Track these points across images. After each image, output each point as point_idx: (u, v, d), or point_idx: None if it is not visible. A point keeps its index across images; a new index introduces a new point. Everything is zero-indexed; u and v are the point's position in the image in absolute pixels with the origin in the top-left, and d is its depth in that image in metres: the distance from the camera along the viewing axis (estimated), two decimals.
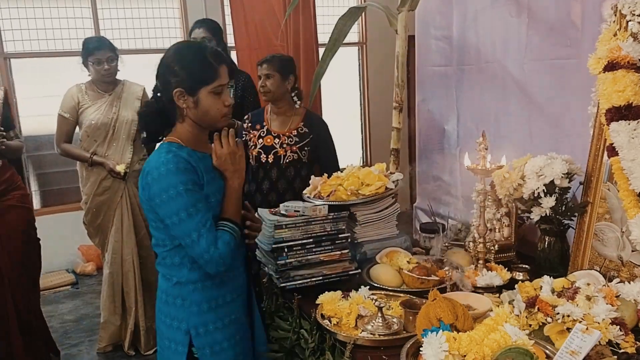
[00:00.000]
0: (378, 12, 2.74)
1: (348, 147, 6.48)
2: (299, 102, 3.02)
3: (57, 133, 3.21)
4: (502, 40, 2.34)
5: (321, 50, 4.74)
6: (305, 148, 2.94)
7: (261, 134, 3.01)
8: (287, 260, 2.01)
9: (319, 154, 2.99)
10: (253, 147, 3.02)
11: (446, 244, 2.29)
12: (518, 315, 1.51)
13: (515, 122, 2.34)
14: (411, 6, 2.36)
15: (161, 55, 1.70)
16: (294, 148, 2.93)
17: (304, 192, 2.34)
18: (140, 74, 3.18)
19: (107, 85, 3.17)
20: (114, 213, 3.20)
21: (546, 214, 1.92)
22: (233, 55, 5.33)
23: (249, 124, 3.07)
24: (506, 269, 1.99)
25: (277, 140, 2.96)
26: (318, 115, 3.17)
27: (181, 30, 5.42)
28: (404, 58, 2.43)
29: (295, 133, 2.95)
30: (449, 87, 2.68)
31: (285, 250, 2.01)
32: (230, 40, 5.41)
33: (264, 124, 3.03)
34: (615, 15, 1.78)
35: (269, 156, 2.97)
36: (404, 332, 1.61)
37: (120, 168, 3.06)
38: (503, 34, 2.33)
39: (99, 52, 3.08)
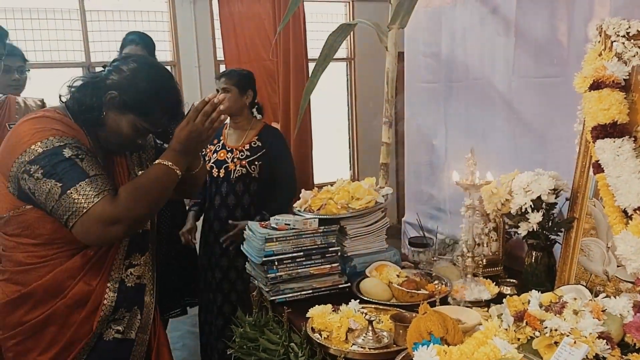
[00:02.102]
0: (367, 29, 2.77)
1: (336, 161, 6.51)
2: (259, 117, 3.02)
3: None
4: (490, 58, 2.39)
5: (311, 65, 4.81)
6: (256, 162, 2.93)
7: (216, 149, 3.03)
8: (278, 274, 2.01)
9: (274, 168, 2.98)
10: (208, 160, 3.01)
11: (434, 258, 2.31)
12: (506, 329, 1.53)
13: (502, 138, 2.38)
14: (401, 24, 2.41)
15: None
16: (243, 162, 2.93)
17: (295, 205, 2.35)
18: None
19: None
20: None
21: (533, 229, 1.95)
22: (222, 69, 5.37)
23: None
24: (494, 283, 2.01)
25: (229, 155, 2.97)
26: (275, 129, 3.15)
27: (170, 43, 5.43)
28: (394, 74, 2.47)
29: (248, 147, 2.96)
30: (438, 102, 2.72)
31: (276, 263, 2.01)
32: (220, 54, 5.45)
33: (221, 138, 3.05)
34: (600, 35, 1.82)
35: (220, 170, 2.97)
36: (395, 345, 1.62)
37: None
38: (491, 52, 2.37)
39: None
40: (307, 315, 1.81)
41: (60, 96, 1.62)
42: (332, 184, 2.35)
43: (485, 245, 2.18)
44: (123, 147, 1.69)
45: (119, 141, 1.64)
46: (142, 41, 2.94)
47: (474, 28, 2.44)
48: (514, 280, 2.05)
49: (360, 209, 2.18)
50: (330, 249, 2.09)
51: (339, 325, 1.71)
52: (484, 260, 2.09)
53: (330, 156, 6.32)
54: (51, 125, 1.50)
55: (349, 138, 6.55)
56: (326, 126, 6.03)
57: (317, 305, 1.84)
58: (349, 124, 6.50)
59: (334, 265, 2.09)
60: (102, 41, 5.00)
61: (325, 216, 2.16)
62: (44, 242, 1.55)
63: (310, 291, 2.04)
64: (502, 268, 2.22)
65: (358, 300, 1.87)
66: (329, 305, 1.84)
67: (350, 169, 6.58)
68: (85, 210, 1.42)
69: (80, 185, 1.43)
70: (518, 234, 2.02)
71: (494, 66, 2.37)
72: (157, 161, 1.57)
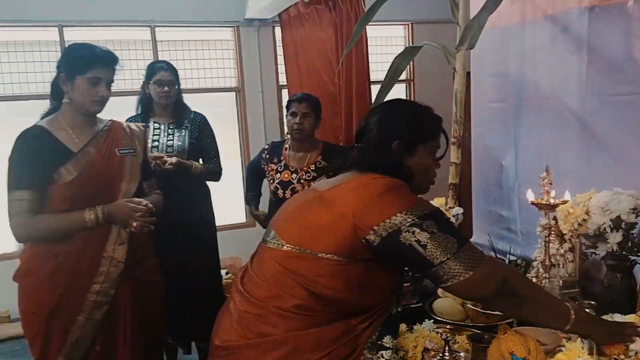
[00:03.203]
0: (426, 50, 2.79)
1: None
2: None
3: None
4: (561, 77, 2.36)
5: (373, 88, 4.86)
6: None
7: (278, 169, 3.08)
8: None
9: None
10: (271, 180, 3.08)
11: None
12: (589, 352, 1.50)
13: (575, 158, 2.34)
14: (470, 44, 2.42)
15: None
16: (311, 183, 2.92)
17: None
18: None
19: None
20: None
21: (612, 250, 1.90)
22: (285, 94, 5.51)
23: (267, 155, 3.15)
24: None
25: (294, 176, 3.01)
26: (336, 145, 3.18)
27: (235, 70, 5.63)
28: (463, 95, 2.48)
29: (313, 168, 3.00)
30: (507, 122, 2.71)
31: None
32: (282, 79, 5.60)
33: (282, 159, 3.10)
34: None
35: (286, 192, 3.01)
36: None
37: None
38: (562, 70, 2.35)
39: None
40: None
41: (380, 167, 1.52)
42: None
43: (561, 266, 2.14)
44: (426, 185, 1.63)
45: (424, 181, 1.60)
46: (169, 67, 3.10)
47: (544, 47, 2.43)
48: (593, 302, 1.99)
49: None
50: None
51: (415, 345, 1.71)
52: (560, 282, 2.05)
53: None
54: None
55: None
56: None
57: None
58: None
59: (406, 285, 2.10)
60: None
61: None
62: (329, 295, 1.41)
63: None
64: (579, 290, 2.17)
65: (432, 320, 1.87)
66: (404, 325, 1.84)
67: None
68: (483, 262, 1.40)
69: (469, 243, 1.42)
70: (596, 254, 1.98)
71: (566, 85, 2.34)
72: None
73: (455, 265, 1.36)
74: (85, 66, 2.02)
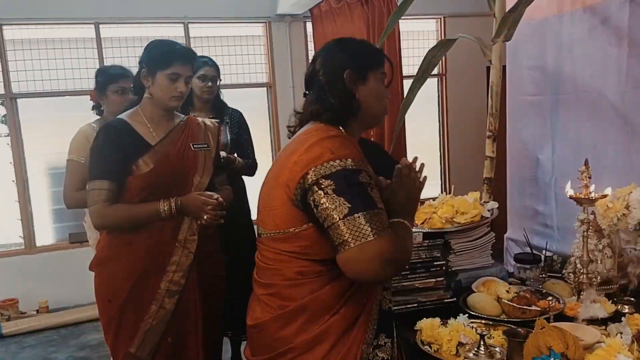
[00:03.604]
0: (459, 44, 2.76)
1: (427, 178, 6.45)
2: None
3: (70, 180, 2.64)
4: (600, 69, 2.31)
5: (405, 82, 4.83)
6: None
7: None
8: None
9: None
10: None
11: (542, 275, 2.25)
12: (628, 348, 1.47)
13: (615, 151, 2.29)
14: (506, 37, 2.39)
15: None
16: None
17: None
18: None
19: None
20: None
21: None
22: None
23: None
24: (610, 301, 1.93)
25: None
26: (374, 144, 3.17)
27: (266, 66, 5.66)
28: (498, 88, 2.44)
29: None
30: (543, 116, 2.66)
31: None
32: None
33: None
34: None
35: None
36: None
37: None
38: (601, 63, 2.30)
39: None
40: (416, 327, 1.82)
41: (314, 114, 1.54)
42: (422, 201, 2.34)
43: (599, 262, 2.10)
44: (382, 112, 1.62)
45: (380, 109, 1.58)
46: (213, 63, 3.14)
47: (582, 39, 2.38)
48: (632, 299, 1.95)
49: (465, 223, 2.17)
50: (435, 263, 2.09)
51: (449, 339, 1.71)
52: (598, 278, 2.01)
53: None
54: (350, 147, 1.44)
55: (440, 154, 6.48)
56: (415, 142, 6.01)
57: (424, 318, 1.85)
58: (439, 139, 6.44)
59: (438, 279, 2.08)
60: None
61: (430, 230, 2.16)
62: (324, 258, 1.44)
63: (416, 305, 2.04)
64: (618, 286, 2.12)
65: (467, 315, 1.86)
66: (437, 319, 1.84)
67: (442, 185, 6.50)
68: (369, 240, 1.32)
69: (368, 213, 1.34)
70: (636, 249, 1.93)
71: (605, 78, 2.29)
72: (398, 220, 1.51)
73: (343, 232, 1.33)
74: (166, 62, 2.08)
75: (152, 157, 2.11)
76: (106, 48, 5.06)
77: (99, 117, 2.82)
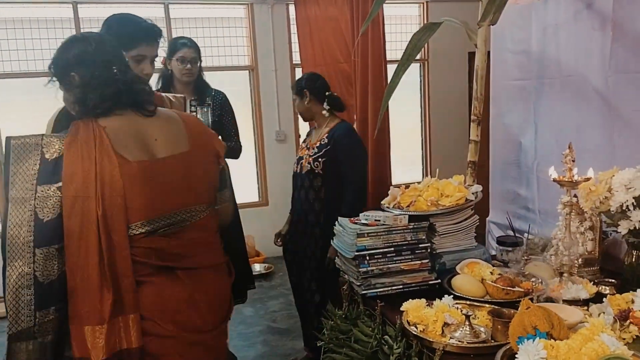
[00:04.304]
0: (441, 30, 2.74)
1: (409, 162, 6.50)
2: (325, 112, 3.07)
3: None
4: (584, 54, 2.32)
5: (389, 67, 4.82)
6: (319, 159, 2.99)
7: (303, 146, 3.18)
8: (369, 268, 2.05)
9: (340, 165, 3.00)
10: None
11: (525, 257, 2.28)
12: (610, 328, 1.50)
13: (598, 135, 2.31)
14: (492, 20, 2.39)
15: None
16: (310, 159, 3.02)
17: (382, 202, 2.38)
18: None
19: None
20: None
21: (635, 228, 1.89)
22: (298, 72, 5.48)
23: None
24: (591, 282, 1.97)
25: (306, 152, 3.09)
26: (346, 125, 3.11)
27: (249, 48, 5.60)
28: (484, 72, 2.44)
29: (318, 144, 3.04)
30: (527, 100, 2.67)
31: (367, 258, 2.05)
32: (296, 58, 5.57)
33: (309, 134, 3.26)
34: None
35: (297, 166, 3.13)
36: (493, 341, 1.62)
37: None
38: (586, 47, 2.31)
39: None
40: (402, 308, 1.83)
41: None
42: (407, 185, 2.36)
43: (580, 244, 2.13)
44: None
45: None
46: (192, 44, 3.11)
47: (567, 23, 2.39)
48: (613, 280, 1.99)
49: (450, 206, 2.18)
50: (420, 245, 2.11)
51: (435, 319, 1.72)
52: (580, 260, 2.04)
53: (403, 157, 6.32)
54: None
55: (422, 139, 6.52)
56: (397, 127, 6.03)
57: (410, 300, 1.86)
58: (421, 124, 6.47)
59: (424, 261, 2.10)
60: None
61: (415, 213, 2.18)
62: None
63: (401, 286, 2.07)
64: (598, 268, 2.16)
65: (452, 296, 1.88)
66: (423, 300, 1.85)
67: (423, 170, 6.54)
68: None
69: None
70: (617, 232, 1.96)
71: (589, 62, 2.31)
72: None
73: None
74: (130, 44, 1.92)
75: None
76: (84, 28, 4.96)
77: None
